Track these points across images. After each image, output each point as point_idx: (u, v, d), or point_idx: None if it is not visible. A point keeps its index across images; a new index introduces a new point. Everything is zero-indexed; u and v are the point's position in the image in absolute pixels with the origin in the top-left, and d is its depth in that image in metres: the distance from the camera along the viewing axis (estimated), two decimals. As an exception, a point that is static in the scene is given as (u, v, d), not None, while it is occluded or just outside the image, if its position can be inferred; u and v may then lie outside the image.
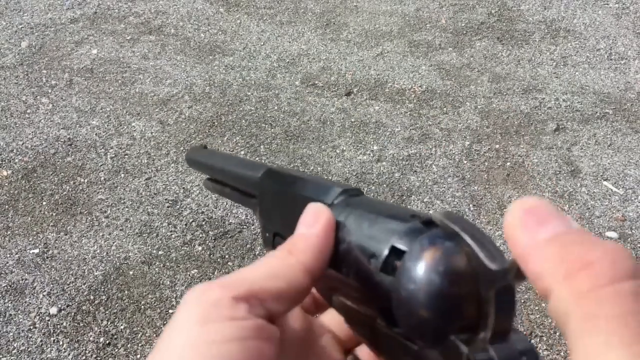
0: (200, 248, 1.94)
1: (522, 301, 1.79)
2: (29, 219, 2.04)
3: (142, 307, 1.76)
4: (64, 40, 3.03)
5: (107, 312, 1.74)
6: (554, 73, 2.85)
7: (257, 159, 2.28)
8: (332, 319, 0.34)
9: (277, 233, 0.36)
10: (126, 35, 3.10)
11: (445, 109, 2.60)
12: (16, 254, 1.91)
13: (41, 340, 1.67)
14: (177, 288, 1.81)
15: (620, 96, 2.69)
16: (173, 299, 1.78)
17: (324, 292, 0.32)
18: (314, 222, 0.28)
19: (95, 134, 2.42)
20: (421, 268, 0.23)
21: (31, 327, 1.70)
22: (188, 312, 0.24)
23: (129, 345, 1.66)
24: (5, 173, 2.22)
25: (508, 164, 2.30)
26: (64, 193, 2.14)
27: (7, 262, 1.88)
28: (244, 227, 2.02)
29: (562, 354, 1.66)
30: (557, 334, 1.71)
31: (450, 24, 3.25)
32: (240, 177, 0.42)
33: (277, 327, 0.25)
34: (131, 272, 1.86)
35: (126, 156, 2.31)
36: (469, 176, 2.24)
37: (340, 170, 2.25)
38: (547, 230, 0.21)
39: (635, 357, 0.17)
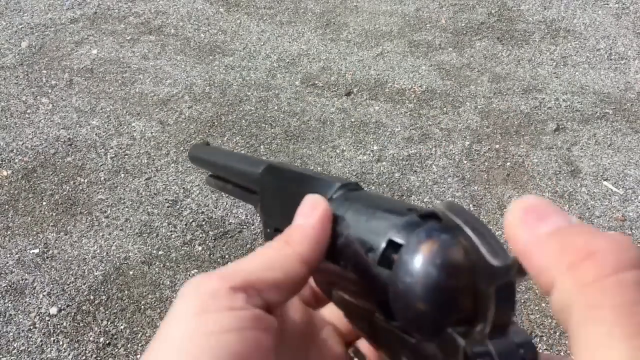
0: (200, 248, 1.94)
1: (522, 301, 1.79)
2: (29, 219, 2.04)
3: (142, 307, 1.76)
4: (64, 40, 3.03)
5: (107, 312, 1.74)
6: (554, 73, 2.85)
7: (257, 159, 2.28)
8: (333, 312, 0.34)
9: (277, 229, 0.36)
10: (126, 35, 3.10)
11: (445, 109, 2.60)
12: (16, 254, 1.91)
13: (41, 340, 1.67)
14: (177, 288, 1.81)
15: (620, 96, 2.69)
16: (173, 299, 1.77)
17: (324, 287, 0.32)
18: (310, 212, 0.28)
19: (95, 134, 2.42)
20: (418, 261, 0.23)
21: (31, 327, 1.70)
22: (186, 303, 0.24)
23: (129, 345, 1.66)
24: (5, 173, 2.22)
25: (508, 164, 2.30)
26: (64, 193, 2.14)
27: (7, 262, 1.88)
28: (244, 227, 2.02)
29: (562, 354, 1.66)
30: (557, 334, 1.70)
31: (450, 24, 3.26)
32: (241, 173, 0.42)
33: (275, 318, 0.25)
34: (131, 272, 1.86)
35: (126, 156, 2.31)
36: (469, 176, 2.24)
37: (340, 170, 2.25)
38: (548, 224, 0.21)
39: (636, 351, 0.17)
